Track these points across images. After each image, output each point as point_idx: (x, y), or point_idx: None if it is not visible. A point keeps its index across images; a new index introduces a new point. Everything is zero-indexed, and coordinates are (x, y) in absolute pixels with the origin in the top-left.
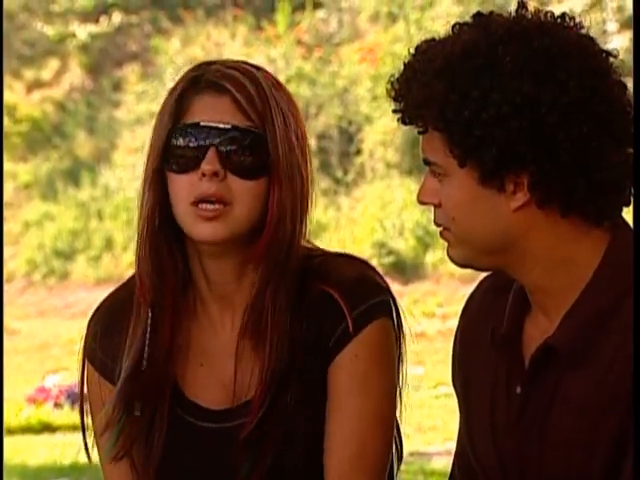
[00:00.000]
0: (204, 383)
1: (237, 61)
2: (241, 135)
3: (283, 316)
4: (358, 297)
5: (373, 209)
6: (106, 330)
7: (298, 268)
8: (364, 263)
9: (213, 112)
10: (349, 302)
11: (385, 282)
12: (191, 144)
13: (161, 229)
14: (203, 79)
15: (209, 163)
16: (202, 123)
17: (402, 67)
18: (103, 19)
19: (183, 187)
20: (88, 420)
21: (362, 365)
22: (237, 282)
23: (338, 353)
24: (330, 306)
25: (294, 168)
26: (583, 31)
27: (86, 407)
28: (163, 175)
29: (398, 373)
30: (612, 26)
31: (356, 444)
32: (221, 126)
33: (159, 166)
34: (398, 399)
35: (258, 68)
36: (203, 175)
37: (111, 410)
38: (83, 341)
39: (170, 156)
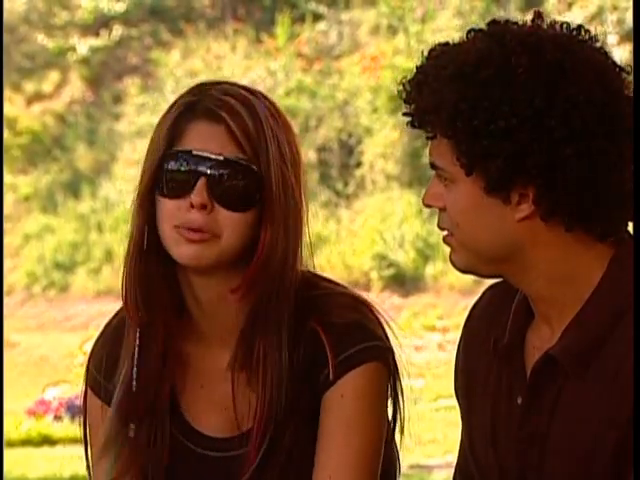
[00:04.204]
0: (205, 406)
1: (235, 85)
2: (232, 167)
3: (275, 351)
4: (345, 343)
5: (373, 221)
6: (107, 360)
7: (294, 299)
8: (365, 306)
9: (207, 141)
10: (334, 348)
11: (382, 329)
12: (182, 170)
13: (150, 251)
14: (199, 105)
15: (198, 195)
16: (194, 151)
17: (414, 69)
18: (103, 32)
19: (170, 211)
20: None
21: (348, 405)
22: (224, 301)
23: (324, 393)
24: (319, 346)
25: (289, 201)
26: (597, 44)
27: (88, 433)
28: (153, 198)
29: (396, 412)
30: (612, 39)
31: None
32: (213, 156)
33: (150, 189)
34: (398, 435)
35: (256, 94)
36: (192, 205)
37: (109, 430)
38: (85, 372)
39: (161, 180)
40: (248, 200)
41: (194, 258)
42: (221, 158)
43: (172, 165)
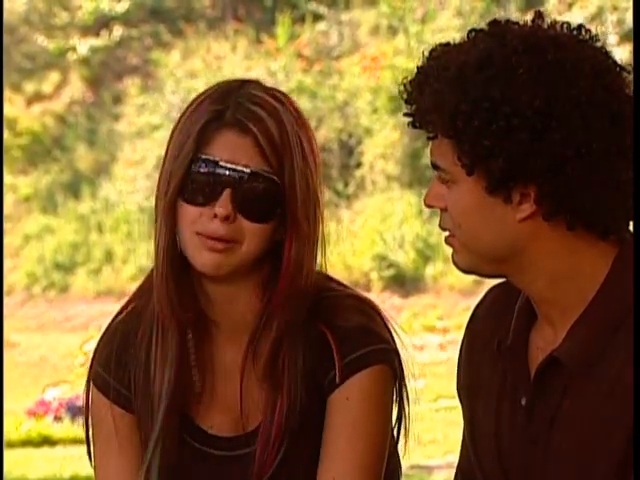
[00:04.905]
0: (209, 405)
1: (260, 88)
2: (258, 180)
3: (298, 361)
4: (351, 346)
5: (373, 222)
6: (117, 359)
7: (308, 305)
8: (373, 309)
9: (234, 152)
10: (341, 351)
11: (389, 331)
12: (208, 179)
13: (175, 257)
14: (228, 115)
15: (222, 206)
16: (221, 162)
17: (415, 70)
18: (104, 32)
19: (192, 217)
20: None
21: (353, 407)
22: (234, 302)
23: (329, 395)
24: (326, 348)
25: (310, 211)
26: (598, 44)
27: (91, 431)
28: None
29: (401, 414)
30: (612, 39)
31: None
32: (240, 168)
33: (177, 194)
34: (402, 438)
35: (282, 101)
36: (215, 216)
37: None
38: (89, 370)
39: (185, 186)
40: (270, 212)
41: (214, 267)
42: (248, 170)
43: (197, 172)
